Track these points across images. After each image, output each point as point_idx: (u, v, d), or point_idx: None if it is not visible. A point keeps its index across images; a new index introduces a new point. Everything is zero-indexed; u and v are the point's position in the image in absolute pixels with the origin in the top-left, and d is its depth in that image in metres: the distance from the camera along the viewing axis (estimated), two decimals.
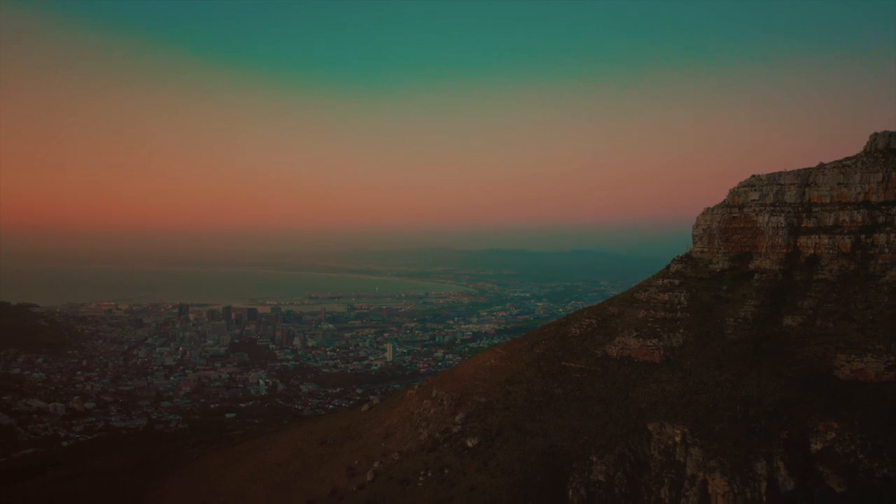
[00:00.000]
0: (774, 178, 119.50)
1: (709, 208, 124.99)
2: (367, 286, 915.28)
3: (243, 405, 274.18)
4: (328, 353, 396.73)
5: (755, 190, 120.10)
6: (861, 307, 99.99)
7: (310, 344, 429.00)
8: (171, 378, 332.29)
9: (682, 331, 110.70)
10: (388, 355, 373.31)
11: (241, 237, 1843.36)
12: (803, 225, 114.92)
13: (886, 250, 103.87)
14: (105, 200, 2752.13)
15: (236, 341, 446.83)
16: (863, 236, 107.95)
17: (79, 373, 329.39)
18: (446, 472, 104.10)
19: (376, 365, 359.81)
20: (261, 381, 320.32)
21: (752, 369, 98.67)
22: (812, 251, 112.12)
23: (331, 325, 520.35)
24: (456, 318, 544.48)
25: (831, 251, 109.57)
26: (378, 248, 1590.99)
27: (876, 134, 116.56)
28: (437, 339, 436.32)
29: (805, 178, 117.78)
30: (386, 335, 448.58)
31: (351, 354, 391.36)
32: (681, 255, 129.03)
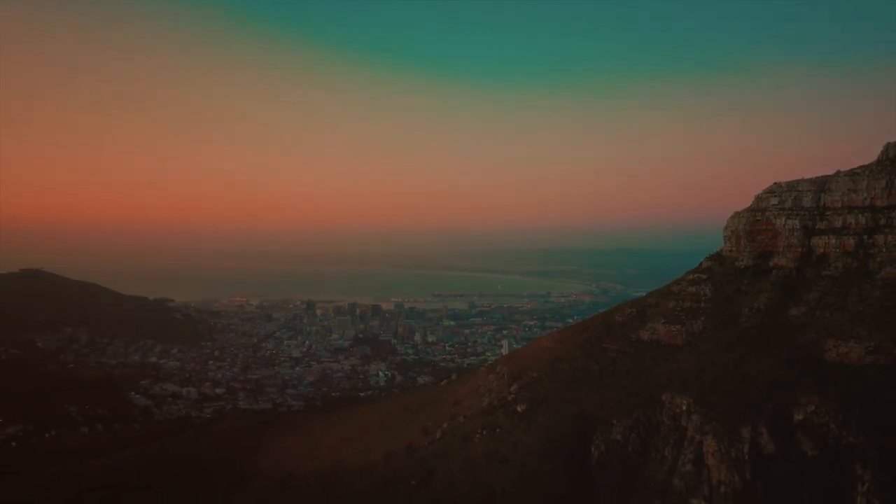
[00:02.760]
0: (793, 185, 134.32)
1: (737, 212, 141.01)
2: (490, 285, 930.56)
3: (362, 394, 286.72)
4: (447, 348, 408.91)
5: (775, 196, 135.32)
6: (855, 300, 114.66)
7: (430, 339, 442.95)
8: (297, 369, 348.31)
9: (702, 318, 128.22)
10: (504, 350, 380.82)
11: (369, 237, 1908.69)
12: (817, 227, 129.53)
13: (884, 250, 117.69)
14: (239, 201, 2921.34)
15: (360, 336, 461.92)
16: (865, 237, 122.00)
17: (211, 362, 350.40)
18: (498, 431, 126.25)
19: (491, 360, 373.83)
20: (380, 373, 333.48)
21: (755, 351, 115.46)
22: (822, 250, 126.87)
23: (451, 322, 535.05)
24: (576, 317, 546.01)
25: (838, 250, 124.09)
26: (503, 248, 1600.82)
27: (888, 144, 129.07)
28: None
29: (821, 184, 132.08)
30: (504, 332, 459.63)
31: (468, 350, 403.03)
32: (712, 253, 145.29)
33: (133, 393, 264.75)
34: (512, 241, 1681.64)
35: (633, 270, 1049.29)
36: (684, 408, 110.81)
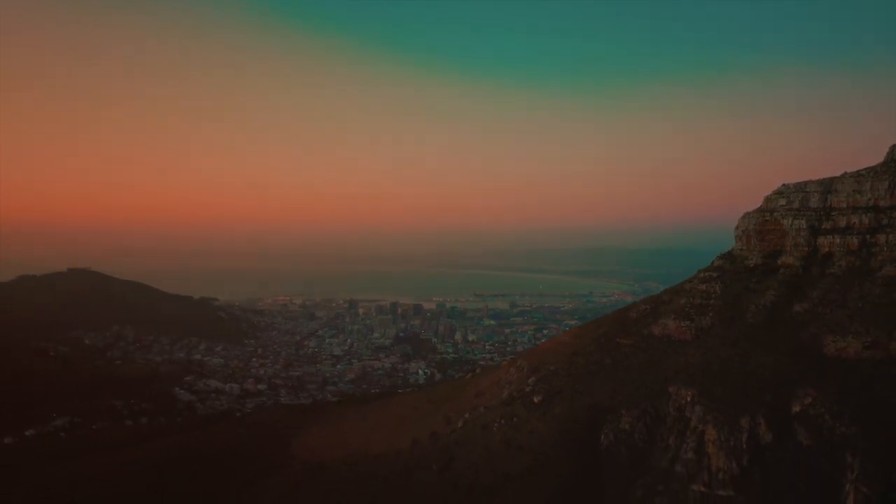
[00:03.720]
0: (801, 187, 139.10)
1: (747, 213, 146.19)
2: (532, 284, 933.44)
3: (401, 391, 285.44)
4: (486, 346, 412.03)
5: (783, 197, 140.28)
6: (856, 297, 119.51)
7: (470, 338, 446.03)
8: (338, 366, 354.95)
9: (711, 314, 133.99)
10: None
11: (411, 237, 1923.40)
12: (823, 227, 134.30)
13: (886, 249, 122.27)
14: (286, 201, 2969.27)
15: (401, 335, 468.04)
16: (868, 236, 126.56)
17: (254, 360, 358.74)
18: (515, 420, 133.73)
19: None
20: (420, 371, 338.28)
21: (758, 346, 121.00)
22: (827, 249, 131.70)
23: (492, 322, 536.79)
24: None
25: (842, 249, 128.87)
26: (546, 247, 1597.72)
27: (894, 146, 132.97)
28: None
29: (828, 186, 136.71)
30: (545, 332, 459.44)
31: (508, 349, 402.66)
32: (723, 252, 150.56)
33: (177, 388, 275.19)
34: (554, 241, 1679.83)
35: (677, 270, 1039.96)
36: (689, 399, 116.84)
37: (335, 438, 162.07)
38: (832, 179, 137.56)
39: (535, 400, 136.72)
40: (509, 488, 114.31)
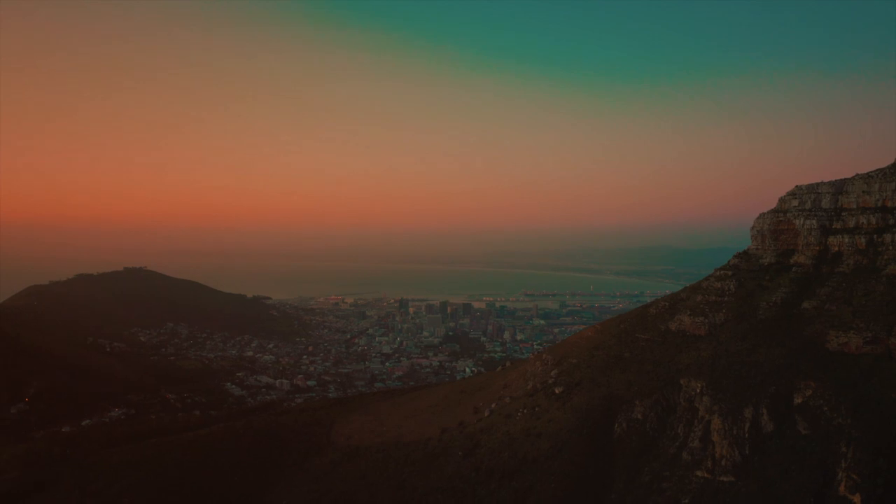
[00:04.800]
0: (813, 188, 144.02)
1: (762, 213, 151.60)
2: (583, 284, 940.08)
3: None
4: (534, 346, 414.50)
5: (796, 198, 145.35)
6: (860, 294, 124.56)
7: (518, 338, 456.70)
8: (386, 364, 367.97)
9: (724, 311, 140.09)
10: None
11: (463, 236, 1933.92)
12: (833, 227, 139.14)
13: (891, 248, 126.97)
14: (340, 201, 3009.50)
15: (450, 333, 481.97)
16: (875, 236, 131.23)
17: (304, 357, 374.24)
18: (536, 409, 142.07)
19: None
20: (467, 369, 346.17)
21: (766, 341, 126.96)
22: (837, 248, 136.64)
23: (541, 321, 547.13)
24: None
25: (850, 248, 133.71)
26: (598, 246, 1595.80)
27: None
28: None
29: (840, 187, 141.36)
30: None
31: None
32: (740, 251, 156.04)
33: (229, 384, 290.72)
34: (606, 240, 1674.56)
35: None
36: (698, 390, 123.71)
37: (371, 426, 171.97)
38: (843, 181, 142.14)
39: (557, 391, 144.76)
40: (526, 472, 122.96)
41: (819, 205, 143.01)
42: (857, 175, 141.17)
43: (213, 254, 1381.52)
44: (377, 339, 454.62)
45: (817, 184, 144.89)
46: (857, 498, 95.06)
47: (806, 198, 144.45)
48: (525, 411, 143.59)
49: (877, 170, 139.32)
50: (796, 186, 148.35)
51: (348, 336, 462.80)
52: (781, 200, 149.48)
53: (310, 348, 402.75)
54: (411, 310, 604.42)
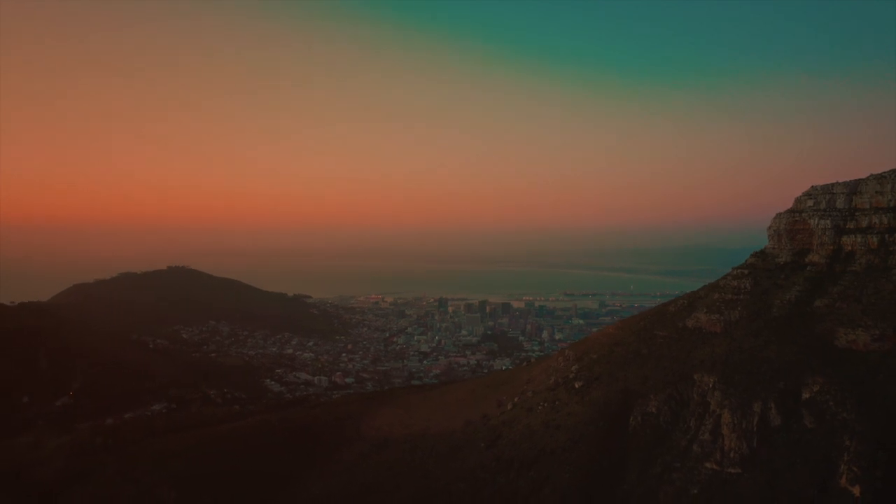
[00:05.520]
0: (828, 189, 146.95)
1: (779, 213, 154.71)
2: (623, 284, 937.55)
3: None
4: None
5: (811, 198, 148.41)
6: (870, 292, 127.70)
7: (557, 337, 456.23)
8: (424, 362, 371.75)
9: (739, 309, 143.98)
10: None
11: (504, 236, 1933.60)
12: (847, 226, 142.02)
13: None
14: (384, 201, 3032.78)
15: (489, 332, 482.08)
16: (886, 236, 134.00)
17: (343, 355, 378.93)
18: (557, 403, 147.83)
19: None
20: (504, 368, 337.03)
21: (778, 338, 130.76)
22: (850, 248, 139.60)
23: (580, 321, 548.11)
24: None
25: (863, 248, 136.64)
26: (639, 246, 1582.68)
27: None
28: None
29: (854, 187, 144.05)
30: None
31: None
32: (757, 250, 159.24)
33: (268, 380, 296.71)
34: (647, 240, 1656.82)
35: None
36: (710, 385, 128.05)
37: (400, 419, 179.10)
38: (858, 181, 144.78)
39: (576, 385, 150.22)
40: (544, 462, 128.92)
41: (834, 205, 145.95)
42: (872, 175, 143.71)
43: (257, 253, 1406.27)
44: (416, 337, 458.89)
45: (832, 184, 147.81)
46: (856, 490, 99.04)
47: (821, 198, 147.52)
48: (546, 405, 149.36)
49: (891, 170, 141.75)
50: (812, 187, 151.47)
51: (387, 335, 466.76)
52: (797, 201, 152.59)
53: (349, 346, 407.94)
54: (450, 309, 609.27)
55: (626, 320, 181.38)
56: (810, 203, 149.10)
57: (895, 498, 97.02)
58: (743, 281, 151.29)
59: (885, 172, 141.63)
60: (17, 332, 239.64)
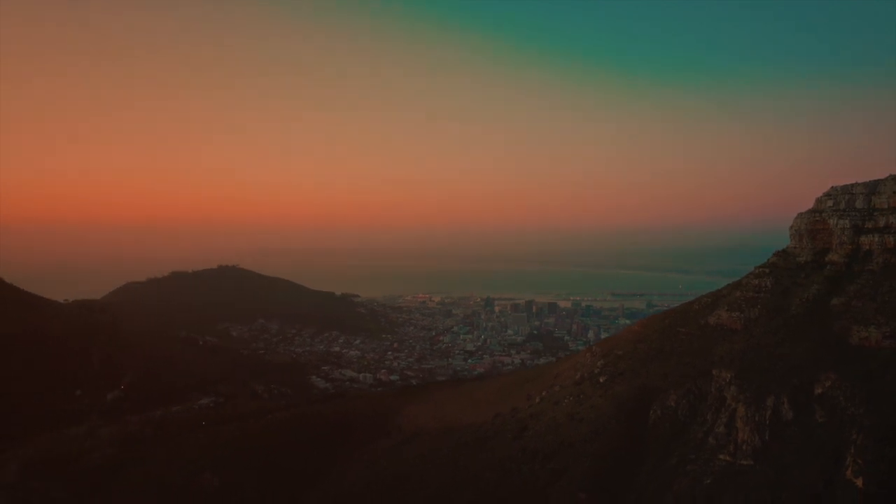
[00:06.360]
0: (847, 189, 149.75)
1: (800, 213, 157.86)
2: (671, 284, 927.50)
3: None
4: None
5: (831, 198, 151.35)
6: (885, 291, 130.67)
7: (602, 337, 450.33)
8: (468, 361, 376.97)
9: (759, 307, 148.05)
10: None
11: (551, 236, 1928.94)
12: (865, 226, 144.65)
13: None
14: (440, 201, 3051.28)
15: (534, 332, 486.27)
16: None
17: (389, 353, 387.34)
18: (581, 397, 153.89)
19: None
20: None
21: (795, 335, 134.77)
22: (868, 247, 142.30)
23: (626, 321, 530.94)
24: None
25: (880, 247, 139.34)
26: (690, 246, 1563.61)
27: None
28: None
29: (873, 188, 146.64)
30: None
31: None
32: (779, 249, 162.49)
33: (314, 377, 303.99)
34: (698, 240, 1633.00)
35: None
36: (727, 380, 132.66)
37: (434, 412, 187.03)
38: (877, 181, 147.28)
39: (601, 380, 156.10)
40: (565, 453, 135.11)
41: (853, 205, 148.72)
42: (891, 175, 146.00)
43: (307, 252, 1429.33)
44: (461, 336, 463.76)
45: (852, 185, 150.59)
46: (860, 482, 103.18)
47: (840, 198, 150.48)
48: (571, 398, 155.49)
49: None
50: (832, 187, 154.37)
51: (433, 333, 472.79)
52: (818, 201, 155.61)
53: (395, 345, 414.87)
54: (497, 308, 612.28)
55: (650, 318, 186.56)
56: (830, 203, 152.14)
57: None
58: (764, 279, 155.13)
59: None
60: (72, 329, 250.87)
